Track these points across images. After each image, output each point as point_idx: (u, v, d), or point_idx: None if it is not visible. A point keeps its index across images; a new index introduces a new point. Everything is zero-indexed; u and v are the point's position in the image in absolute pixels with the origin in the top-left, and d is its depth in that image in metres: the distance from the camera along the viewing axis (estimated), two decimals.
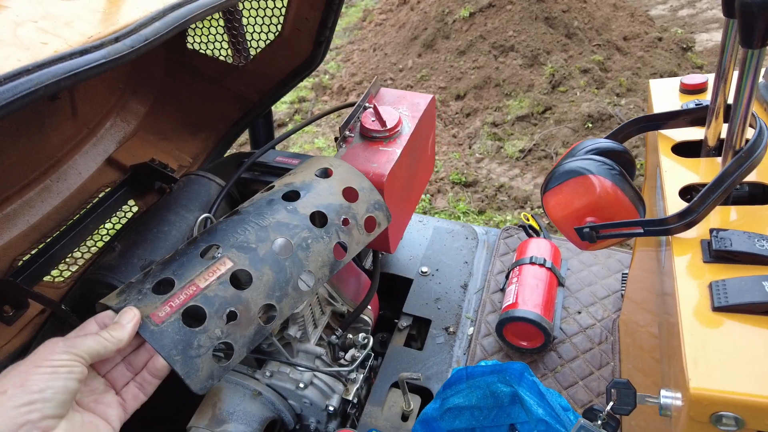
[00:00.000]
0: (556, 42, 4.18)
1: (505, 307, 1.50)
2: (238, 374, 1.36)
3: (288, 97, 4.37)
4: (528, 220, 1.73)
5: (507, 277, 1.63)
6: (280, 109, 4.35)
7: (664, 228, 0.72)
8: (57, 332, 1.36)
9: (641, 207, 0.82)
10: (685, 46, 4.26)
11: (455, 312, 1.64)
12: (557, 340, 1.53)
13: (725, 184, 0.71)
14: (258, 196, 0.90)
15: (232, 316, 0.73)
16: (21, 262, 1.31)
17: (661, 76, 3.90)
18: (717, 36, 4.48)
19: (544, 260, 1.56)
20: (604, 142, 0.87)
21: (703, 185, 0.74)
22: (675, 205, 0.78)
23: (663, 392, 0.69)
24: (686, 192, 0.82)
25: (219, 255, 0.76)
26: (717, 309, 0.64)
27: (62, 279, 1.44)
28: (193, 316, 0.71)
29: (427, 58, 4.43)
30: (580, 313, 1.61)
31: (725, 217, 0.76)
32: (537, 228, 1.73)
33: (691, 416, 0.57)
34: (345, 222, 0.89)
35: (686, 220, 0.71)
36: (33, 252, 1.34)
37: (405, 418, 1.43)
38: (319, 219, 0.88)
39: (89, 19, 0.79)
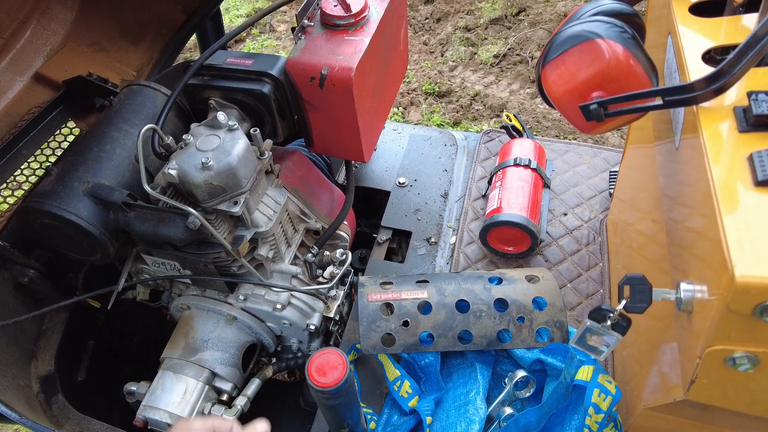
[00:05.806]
0: None
1: (488, 212, 1.41)
2: (209, 300, 1.26)
3: (244, 10, 4.01)
4: (510, 120, 1.60)
5: (489, 182, 1.53)
6: (237, 23, 3.99)
7: (689, 96, 0.61)
8: None
9: (655, 78, 0.70)
10: None
11: (436, 222, 1.55)
12: (543, 244, 1.47)
13: (764, 40, 0.59)
14: (476, 271, 1.32)
15: (405, 324, 1.08)
16: None
17: None
18: None
19: (529, 161, 1.46)
20: (612, 3, 0.73)
21: (733, 46, 0.62)
22: (698, 72, 0.67)
23: (683, 285, 0.61)
24: (709, 59, 0.70)
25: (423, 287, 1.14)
26: (761, 183, 0.54)
27: None
28: (388, 308, 1.11)
29: None
30: (566, 215, 1.54)
31: (761, 80, 0.64)
32: (520, 128, 1.61)
33: (732, 308, 0.48)
34: (521, 319, 1.09)
35: (716, 84, 0.59)
36: None
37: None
38: (503, 305, 1.11)
39: None
